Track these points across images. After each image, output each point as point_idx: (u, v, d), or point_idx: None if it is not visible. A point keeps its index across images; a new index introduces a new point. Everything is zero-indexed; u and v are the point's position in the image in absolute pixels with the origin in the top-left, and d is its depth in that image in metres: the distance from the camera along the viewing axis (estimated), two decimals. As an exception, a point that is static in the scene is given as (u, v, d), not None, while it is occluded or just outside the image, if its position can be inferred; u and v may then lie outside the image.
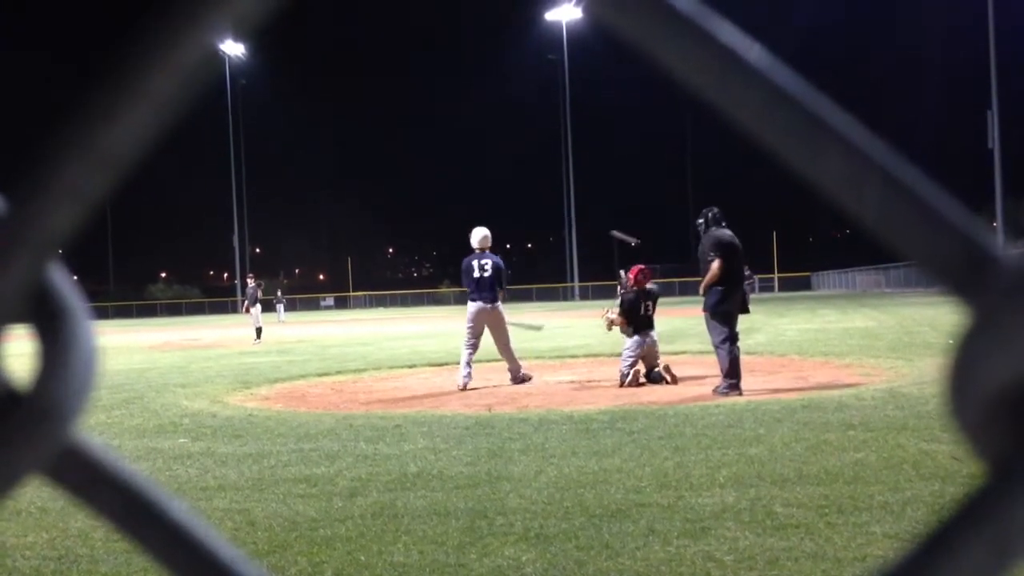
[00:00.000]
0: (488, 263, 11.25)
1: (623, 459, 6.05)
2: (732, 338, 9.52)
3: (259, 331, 25.06)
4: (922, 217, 0.27)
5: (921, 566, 0.26)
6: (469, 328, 11.21)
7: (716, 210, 9.86)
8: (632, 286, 11.11)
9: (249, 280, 27.76)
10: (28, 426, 0.31)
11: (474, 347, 11.13)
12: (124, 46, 0.29)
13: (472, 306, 11.26)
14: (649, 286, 11.16)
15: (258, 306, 25.84)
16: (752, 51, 0.28)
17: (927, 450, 5.92)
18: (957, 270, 0.27)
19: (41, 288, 0.31)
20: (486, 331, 11.24)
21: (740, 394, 9.26)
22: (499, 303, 11.27)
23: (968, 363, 0.27)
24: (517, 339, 11.74)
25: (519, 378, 11.24)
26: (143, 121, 0.28)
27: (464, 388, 10.76)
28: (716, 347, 9.62)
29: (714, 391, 9.48)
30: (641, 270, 11.21)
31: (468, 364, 11.01)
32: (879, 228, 0.28)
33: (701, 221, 9.94)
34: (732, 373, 9.41)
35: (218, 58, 0.29)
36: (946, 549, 0.25)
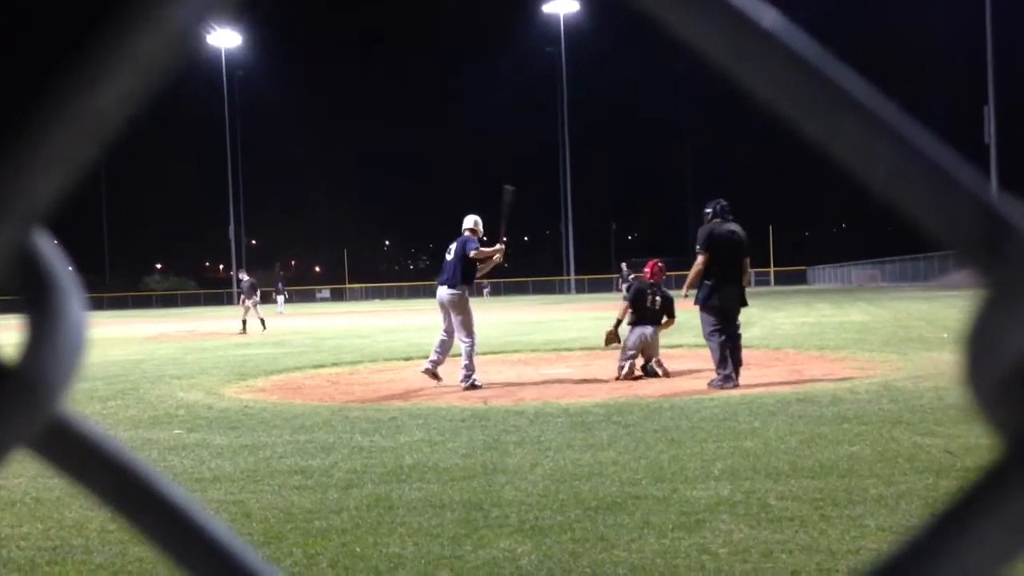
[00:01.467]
0: (454, 246, 10.67)
1: (618, 452, 6.05)
2: (723, 331, 9.54)
3: (254, 323, 25.40)
4: (938, 186, 0.26)
5: (936, 544, 0.25)
6: (441, 314, 10.74)
7: (723, 203, 9.84)
8: (648, 279, 11.18)
9: (242, 275, 27.98)
10: (15, 399, 0.30)
11: (445, 335, 10.59)
12: (110, 9, 0.28)
13: (437, 291, 10.73)
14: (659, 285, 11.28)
15: (256, 297, 26.06)
16: (766, 16, 0.27)
17: (921, 444, 5.93)
18: (974, 241, 0.26)
19: (28, 259, 0.31)
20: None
21: (735, 386, 9.27)
22: (464, 292, 10.48)
23: (985, 338, 0.26)
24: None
25: (471, 383, 10.27)
26: (130, 86, 0.28)
27: (426, 372, 10.42)
28: (707, 339, 9.71)
29: (709, 384, 9.51)
30: (657, 263, 11.34)
31: (440, 350, 10.53)
32: (894, 196, 0.27)
33: (708, 211, 9.93)
34: (724, 365, 9.44)
35: (207, 22, 0.28)
36: (961, 527, 0.25)
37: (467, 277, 10.54)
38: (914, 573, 0.25)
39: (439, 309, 10.72)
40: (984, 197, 0.26)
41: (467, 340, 10.38)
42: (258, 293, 26.45)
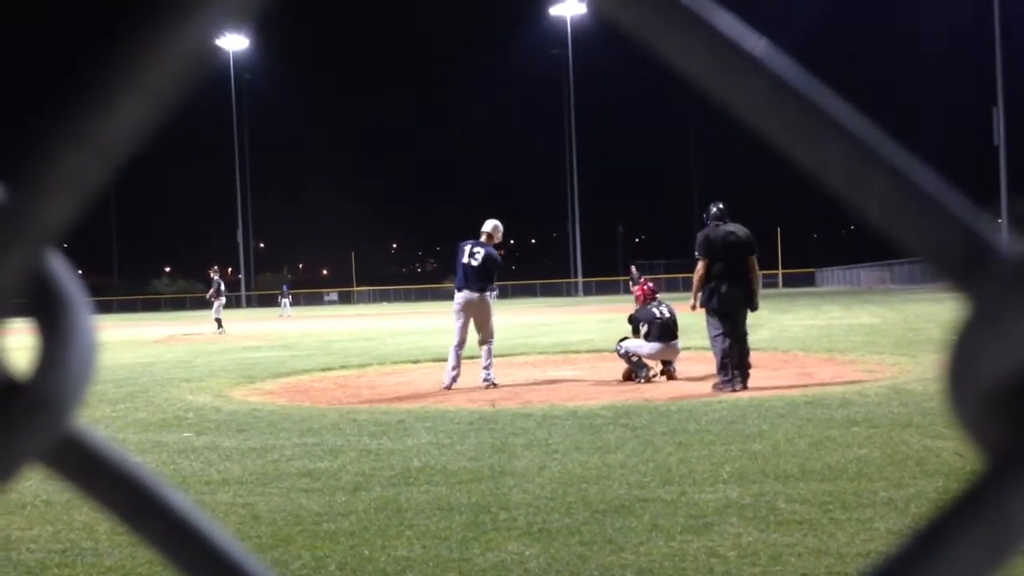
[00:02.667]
0: (481, 253, 10.77)
1: (626, 454, 6.05)
2: (727, 334, 9.54)
3: (219, 322, 25.84)
4: (923, 208, 0.27)
5: (918, 557, 0.26)
6: (459, 320, 10.77)
7: (720, 206, 9.85)
8: (643, 303, 11.29)
9: (212, 274, 28.18)
10: (27, 415, 0.31)
11: (461, 343, 10.72)
12: (119, 35, 0.29)
13: (458, 296, 10.81)
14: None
15: (223, 299, 26.51)
16: (756, 44, 0.28)
17: (931, 446, 5.91)
18: (957, 261, 0.27)
19: (40, 278, 0.31)
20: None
21: (734, 390, 9.28)
22: (486, 294, 10.81)
23: (967, 354, 0.27)
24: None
25: (490, 381, 10.58)
26: (139, 111, 0.28)
27: (449, 388, 10.42)
28: (711, 341, 9.76)
29: (713, 387, 9.52)
30: (644, 286, 11.62)
31: (456, 361, 10.66)
32: (880, 219, 0.27)
33: (705, 216, 9.98)
34: (724, 370, 9.47)
35: (215, 47, 0.29)
36: (943, 540, 0.25)
37: (485, 286, 10.89)
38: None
39: (462, 315, 10.75)
40: (966, 217, 0.27)
41: (492, 340, 10.81)
42: (223, 296, 26.88)
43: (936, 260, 0.27)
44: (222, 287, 27.33)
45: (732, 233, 9.69)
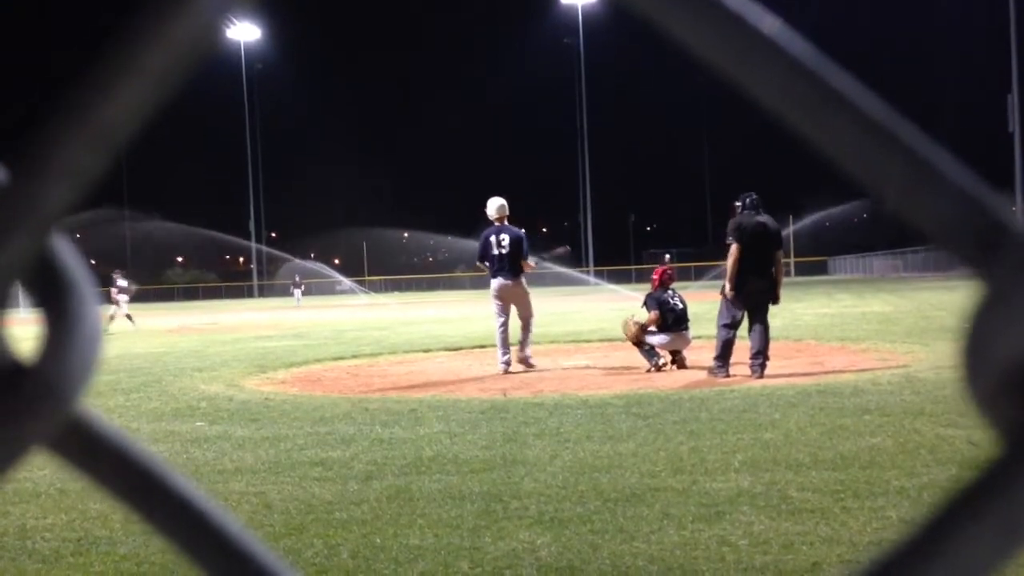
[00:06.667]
0: (506, 238, 11.02)
1: (638, 444, 6.05)
2: (733, 326, 9.65)
3: (127, 317, 25.05)
4: (938, 188, 0.27)
5: (930, 542, 0.25)
6: (497, 305, 11.17)
7: (753, 197, 9.84)
8: (658, 287, 11.16)
9: (115, 276, 26.96)
10: (32, 400, 0.31)
11: (505, 325, 11.05)
12: (121, 21, 0.28)
13: (494, 282, 11.15)
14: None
15: (125, 296, 25.73)
16: (771, 25, 0.27)
17: (944, 435, 5.89)
18: (972, 241, 0.27)
19: (44, 263, 0.31)
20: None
21: (727, 375, 9.53)
22: (522, 278, 11.15)
23: (981, 336, 0.26)
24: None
25: (527, 362, 11.09)
26: (140, 97, 0.28)
27: (506, 372, 10.77)
28: (717, 328, 9.93)
29: (708, 372, 9.77)
30: (666, 271, 11.44)
31: (504, 345, 11.01)
32: (896, 200, 0.27)
33: (739, 204, 9.93)
34: (723, 360, 9.70)
35: (219, 31, 0.29)
36: (955, 525, 0.25)
37: (519, 269, 11.18)
38: (907, 572, 0.25)
39: (502, 298, 11.16)
40: (980, 197, 0.27)
41: (531, 321, 11.23)
42: (126, 294, 25.90)
43: (951, 241, 0.27)
44: (128, 286, 26.46)
45: (763, 224, 9.69)
